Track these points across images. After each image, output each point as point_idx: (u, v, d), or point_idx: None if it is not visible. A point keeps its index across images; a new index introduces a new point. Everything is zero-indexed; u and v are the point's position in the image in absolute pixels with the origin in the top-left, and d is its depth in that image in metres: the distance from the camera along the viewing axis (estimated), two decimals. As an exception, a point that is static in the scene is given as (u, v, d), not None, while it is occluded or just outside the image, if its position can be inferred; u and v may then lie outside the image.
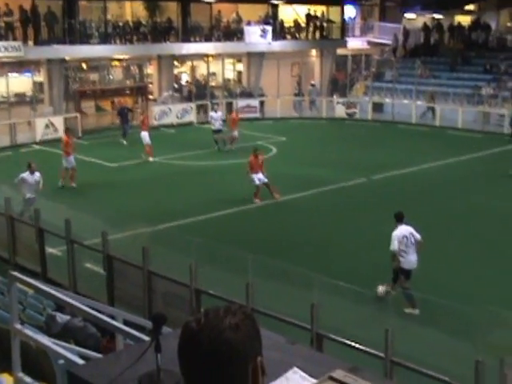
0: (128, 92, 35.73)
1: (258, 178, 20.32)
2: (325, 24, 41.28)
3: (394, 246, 12.90)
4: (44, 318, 9.23)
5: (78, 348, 6.38)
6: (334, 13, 42.01)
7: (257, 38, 37.59)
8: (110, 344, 8.04)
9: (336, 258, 15.73)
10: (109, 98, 34.90)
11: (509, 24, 44.22)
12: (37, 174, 18.12)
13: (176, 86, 38.14)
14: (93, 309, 5.30)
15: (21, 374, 5.22)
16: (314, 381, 2.43)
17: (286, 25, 40.45)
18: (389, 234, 13.03)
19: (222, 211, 19.46)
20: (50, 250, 15.07)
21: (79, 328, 8.78)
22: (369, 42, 45.47)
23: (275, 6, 39.91)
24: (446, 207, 19.88)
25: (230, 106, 36.21)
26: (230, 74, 40.99)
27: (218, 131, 28.83)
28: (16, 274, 5.42)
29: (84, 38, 32.81)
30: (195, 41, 36.86)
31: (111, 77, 37.20)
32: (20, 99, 32.71)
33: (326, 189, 21.91)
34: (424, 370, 9.06)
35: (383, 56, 44.24)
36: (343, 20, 42.47)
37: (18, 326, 5.26)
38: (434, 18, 45.66)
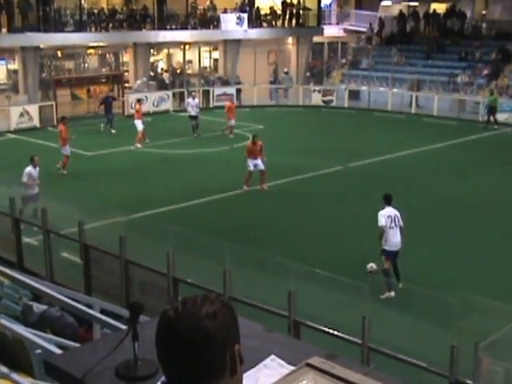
0: (104, 80, 35.43)
1: (254, 163, 20.29)
2: (301, 11, 41.16)
3: (381, 222, 13.14)
4: (20, 308, 9.17)
5: (55, 338, 6.36)
6: (310, 0, 41.93)
7: (233, 25, 37.44)
8: (87, 333, 8.01)
9: (313, 245, 15.80)
10: (84, 87, 34.68)
11: (484, 12, 44.45)
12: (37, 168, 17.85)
13: (152, 73, 37.93)
14: (70, 298, 5.29)
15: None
16: (292, 368, 2.45)
17: (262, 12, 40.28)
18: (365, 221, 13.13)
19: (200, 199, 19.44)
20: (26, 239, 14.98)
21: (56, 318, 8.73)
22: (345, 30, 45.53)
23: (251, -6, 39.75)
24: (422, 194, 20.04)
25: (207, 94, 36.38)
26: (207, 62, 40.89)
27: (194, 117, 29.04)
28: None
29: (59, 26, 32.35)
30: (171, 28, 36.59)
31: (87, 65, 36.91)
32: (-6, 87, 32.42)
33: (302, 177, 21.96)
34: (400, 356, 9.16)
35: (359, 44, 44.30)
36: (319, 7, 42.31)
37: (-5, 317, 5.23)
38: (409, 6, 45.79)
